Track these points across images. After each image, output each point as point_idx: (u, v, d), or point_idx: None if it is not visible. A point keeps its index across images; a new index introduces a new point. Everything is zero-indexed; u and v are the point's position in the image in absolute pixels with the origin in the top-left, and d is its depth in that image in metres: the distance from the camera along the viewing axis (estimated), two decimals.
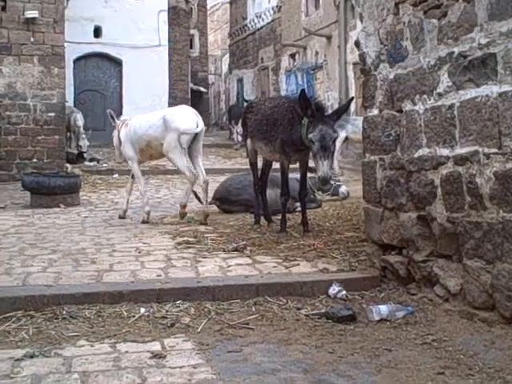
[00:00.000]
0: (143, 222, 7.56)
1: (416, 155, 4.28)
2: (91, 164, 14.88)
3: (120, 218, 7.96)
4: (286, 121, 6.32)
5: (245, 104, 23.30)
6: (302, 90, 6.05)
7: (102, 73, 19.95)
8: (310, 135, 5.81)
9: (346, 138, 12.74)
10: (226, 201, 8.19)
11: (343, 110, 6.25)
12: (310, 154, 6.09)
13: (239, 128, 17.95)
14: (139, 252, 5.70)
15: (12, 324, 3.89)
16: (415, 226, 4.33)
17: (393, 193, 4.59)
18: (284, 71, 21.39)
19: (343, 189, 9.24)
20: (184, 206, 7.56)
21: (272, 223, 7.06)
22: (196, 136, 7.37)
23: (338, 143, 10.94)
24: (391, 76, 4.57)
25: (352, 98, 7.13)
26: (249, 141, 7.19)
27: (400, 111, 4.48)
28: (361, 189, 5.13)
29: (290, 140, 6.26)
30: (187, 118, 7.33)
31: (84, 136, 15.30)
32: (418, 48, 4.25)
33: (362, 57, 4.97)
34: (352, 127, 12.32)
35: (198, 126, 7.31)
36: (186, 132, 7.24)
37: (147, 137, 7.53)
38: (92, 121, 18.33)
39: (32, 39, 13.05)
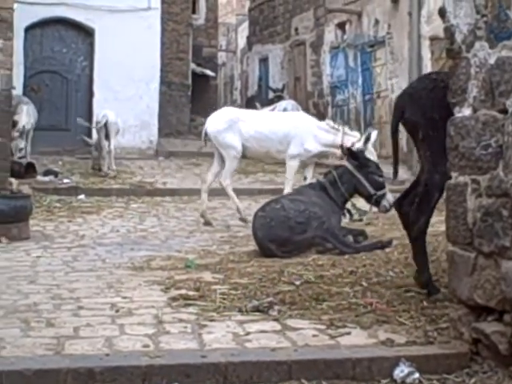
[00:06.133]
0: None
1: None
2: (46, 179, 14.94)
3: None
4: None
5: (270, 94, 23.30)
6: None
7: (65, 47, 20.11)
8: None
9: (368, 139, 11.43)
10: (286, 243, 8.16)
11: None
12: None
13: None
14: (117, 311, 5.71)
15: None
16: None
17: (491, 231, 4.56)
18: (328, 48, 21.47)
19: (389, 198, 8.90)
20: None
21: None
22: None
23: (358, 143, 10.48)
24: (492, 60, 4.58)
25: None
26: None
27: (504, 111, 4.48)
28: (441, 222, 5.10)
29: None
30: None
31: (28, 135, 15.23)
32: None
33: (449, 31, 4.98)
34: None
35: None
36: None
37: None
38: (49, 116, 18.46)
39: None
